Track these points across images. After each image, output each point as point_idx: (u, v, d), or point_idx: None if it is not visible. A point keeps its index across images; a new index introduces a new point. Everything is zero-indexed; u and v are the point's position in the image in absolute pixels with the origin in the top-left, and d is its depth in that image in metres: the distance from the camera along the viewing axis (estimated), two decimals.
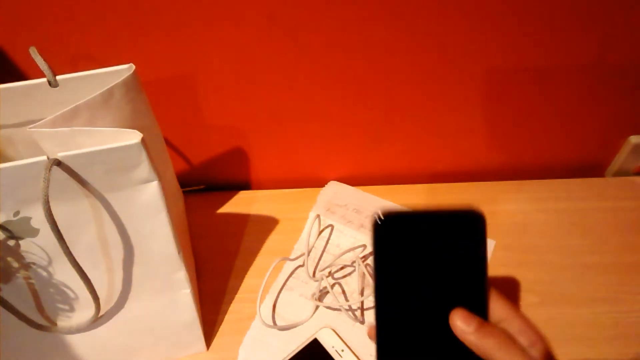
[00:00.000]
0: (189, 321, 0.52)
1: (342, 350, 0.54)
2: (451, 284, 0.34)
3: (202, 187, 0.75)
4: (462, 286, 0.34)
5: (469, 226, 0.34)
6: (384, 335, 0.34)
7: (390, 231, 0.34)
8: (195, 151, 0.72)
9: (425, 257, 0.34)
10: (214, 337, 0.56)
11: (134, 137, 0.39)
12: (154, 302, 0.49)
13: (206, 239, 0.66)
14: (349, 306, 0.58)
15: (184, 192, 0.70)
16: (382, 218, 0.34)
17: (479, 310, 0.34)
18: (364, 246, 0.62)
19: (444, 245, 0.34)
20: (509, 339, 0.32)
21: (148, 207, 0.43)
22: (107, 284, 0.46)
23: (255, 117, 0.66)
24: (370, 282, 0.59)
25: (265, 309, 0.59)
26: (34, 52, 0.43)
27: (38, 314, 0.46)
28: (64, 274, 0.44)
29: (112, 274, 0.46)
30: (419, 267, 0.34)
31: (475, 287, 0.35)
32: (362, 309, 0.58)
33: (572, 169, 0.74)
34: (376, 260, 0.34)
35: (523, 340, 0.33)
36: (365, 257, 0.62)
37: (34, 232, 0.41)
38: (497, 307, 0.34)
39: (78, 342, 0.50)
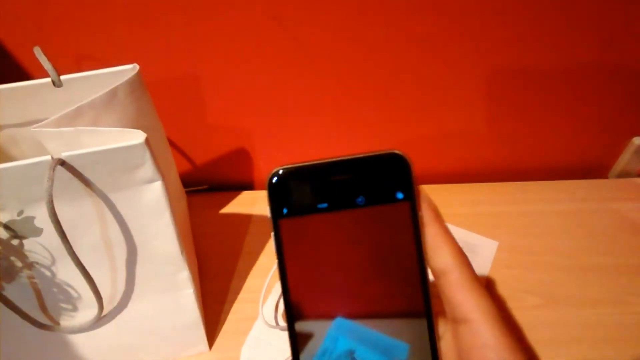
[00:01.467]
0: (191, 321, 0.52)
1: None
2: (375, 255, 0.28)
3: (205, 187, 0.75)
4: (391, 259, 0.28)
5: (391, 173, 0.28)
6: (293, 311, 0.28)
7: (290, 190, 0.28)
8: (198, 151, 0.72)
9: (337, 216, 0.28)
10: (216, 337, 0.56)
11: (137, 137, 0.39)
12: (157, 302, 0.49)
13: (209, 239, 0.66)
14: None
15: (187, 192, 0.70)
16: (280, 174, 0.27)
17: (415, 288, 0.27)
18: None
19: (362, 199, 0.28)
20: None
21: (152, 207, 0.43)
22: (110, 284, 0.46)
23: (258, 118, 0.66)
24: None
25: (268, 309, 0.59)
26: (38, 52, 0.43)
27: (41, 313, 0.46)
28: (67, 273, 0.44)
29: (115, 273, 0.46)
30: (329, 229, 0.28)
31: (406, 260, 0.28)
32: None
33: (575, 170, 0.74)
34: (276, 229, 0.28)
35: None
36: None
37: (38, 232, 0.41)
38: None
39: (81, 341, 0.50)
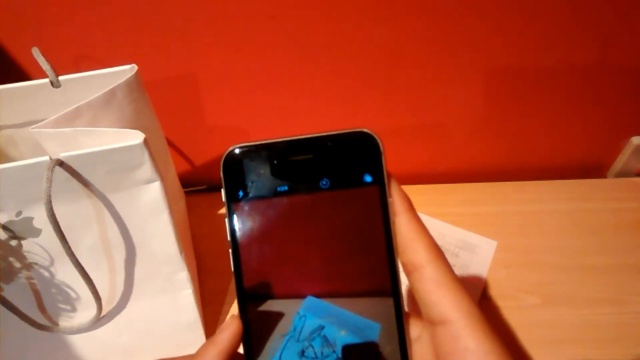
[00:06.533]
0: (190, 321, 0.52)
1: None
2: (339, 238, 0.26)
3: (203, 187, 0.75)
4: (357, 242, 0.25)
5: (359, 153, 0.25)
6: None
7: (247, 171, 0.25)
8: (197, 151, 0.72)
9: (299, 200, 0.25)
10: None
11: (136, 137, 0.39)
12: (155, 302, 0.49)
13: (208, 239, 0.66)
14: None
15: (186, 193, 0.70)
16: (236, 153, 0.25)
17: (385, 280, 0.25)
18: None
19: (326, 182, 0.25)
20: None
21: (150, 207, 0.43)
22: (109, 284, 0.46)
23: (256, 118, 0.66)
24: None
25: None
26: (36, 53, 0.43)
27: (40, 314, 0.46)
28: (66, 274, 0.44)
29: (114, 274, 0.46)
30: (290, 215, 0.25)
31: (375, 247, 0.25)
32: None
33: (574, 169, 0.74)
34: (230, 214, 0.26)
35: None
36: None
37: (37, 233, 0.41)
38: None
39: (79, 342, 0.50)
